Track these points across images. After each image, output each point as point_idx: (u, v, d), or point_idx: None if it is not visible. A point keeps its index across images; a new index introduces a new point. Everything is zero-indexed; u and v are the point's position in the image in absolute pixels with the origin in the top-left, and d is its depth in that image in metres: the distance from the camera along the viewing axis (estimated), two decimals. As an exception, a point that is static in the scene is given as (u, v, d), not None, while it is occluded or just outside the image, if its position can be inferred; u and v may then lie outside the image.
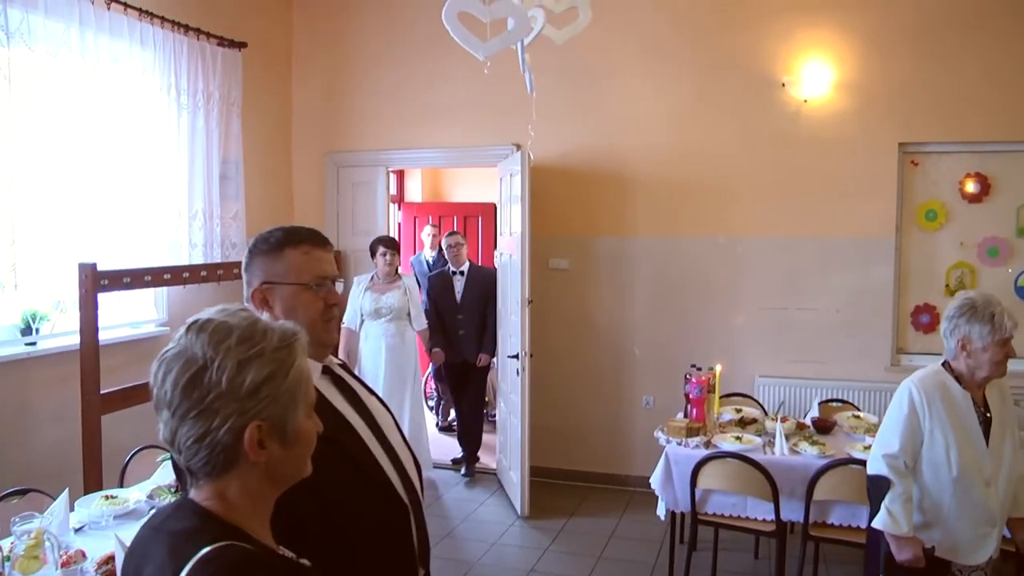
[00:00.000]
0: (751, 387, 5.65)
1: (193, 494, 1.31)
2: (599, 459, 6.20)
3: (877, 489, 2.96)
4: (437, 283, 6.64)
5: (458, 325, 6.48)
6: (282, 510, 1.43)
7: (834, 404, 5.12)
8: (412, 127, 6.55)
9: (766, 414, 4.93)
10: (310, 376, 1.37)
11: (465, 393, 6.64)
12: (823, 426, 4.51)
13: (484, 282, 6.50)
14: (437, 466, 6.64)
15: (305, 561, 1.38)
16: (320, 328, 1.86)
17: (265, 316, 1.41)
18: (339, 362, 2.00)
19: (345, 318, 5.88)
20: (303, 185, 6.89)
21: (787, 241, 5.78)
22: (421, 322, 6.20)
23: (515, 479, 5.66)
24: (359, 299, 5.97)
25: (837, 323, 5.68)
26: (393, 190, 9.00)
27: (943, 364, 2.97)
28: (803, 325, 5.75)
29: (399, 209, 9.15)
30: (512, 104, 5.93)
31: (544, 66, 5.75)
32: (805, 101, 5.65)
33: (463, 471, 6.54)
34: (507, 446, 6.00)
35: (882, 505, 2.90)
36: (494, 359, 6.53)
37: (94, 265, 4.12)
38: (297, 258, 1.86)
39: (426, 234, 8.22)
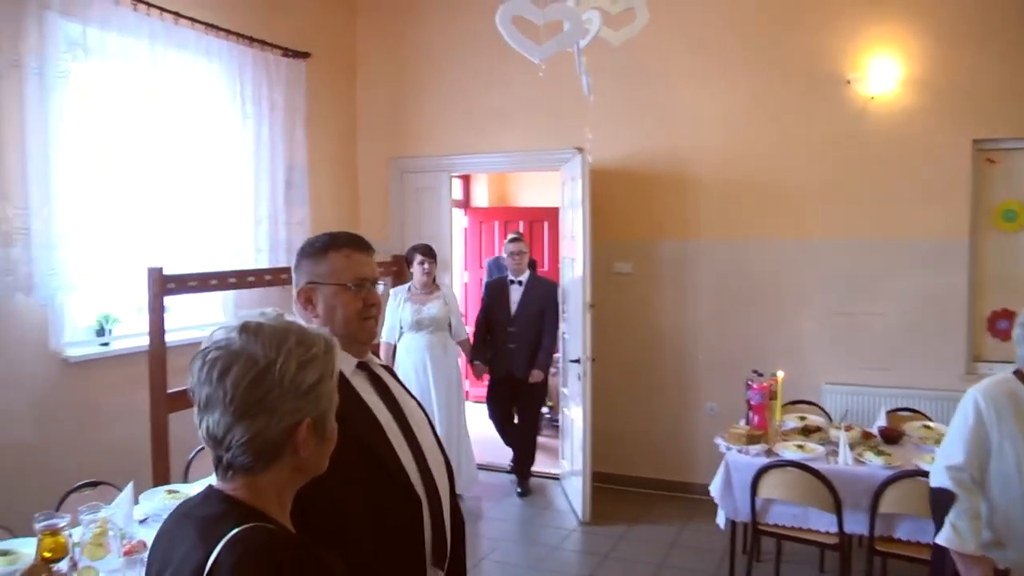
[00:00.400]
0: (817, 395, 5.51)
1: (219, 484, 1.38)
2: (662, 466, 6.12)
3: (940, 503, 2.83)
4: (493, 291, 6.35)
5: (508, 338, 6.11)
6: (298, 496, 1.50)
7: (903, 413, 4.95)
8: (475, 132, 6.58)
9: (831, 422, 4.81)
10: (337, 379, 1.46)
11: (508, 410, 6.36)
12: (890, 436, 4.38)
13: (543, 295, 6.18)
14: (499, 470, 6.60)
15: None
16: (356, 326, 1.99)
17: (296, 315, 1.54)
18: (380, 363, 2.11)
19: (383, 332, 5.74)
20: (368, 191, 6.98)
21: (854, 243, 5.62)
22: (461, 332, 6.03)
23: (576, 484, 5.63)
24: (398, 311, 5.76)
25: (907, 329, 5.49)
26: (459, 195, 9.12)
27: (1015, 372, 2.82)
28: (871, 331, 5.58)
29: (465, 214, 9.21)
30: (573, 107, 5.90)
31: (603, 68, 5.71)
32: (872, 98, 5.49)
33: (518, 491, 6.20)
34: (569, 451, 5.98)
35: (946, 520, 2.76)
36: (551, 371, 6.38)
37: (161, 269, 4.25)
38: (339, 261, 1.99)
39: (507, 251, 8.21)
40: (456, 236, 7.88)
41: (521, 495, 6.13)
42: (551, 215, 8.59)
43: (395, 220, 6.86)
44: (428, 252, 5.81)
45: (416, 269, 5.76)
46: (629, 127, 6.09)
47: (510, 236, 6.40)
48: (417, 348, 5.74)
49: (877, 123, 5.52)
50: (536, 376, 6.11)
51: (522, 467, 6.27)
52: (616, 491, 6.08)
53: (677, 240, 6.06)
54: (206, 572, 1.24)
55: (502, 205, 9.70)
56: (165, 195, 4.83)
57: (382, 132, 6.89)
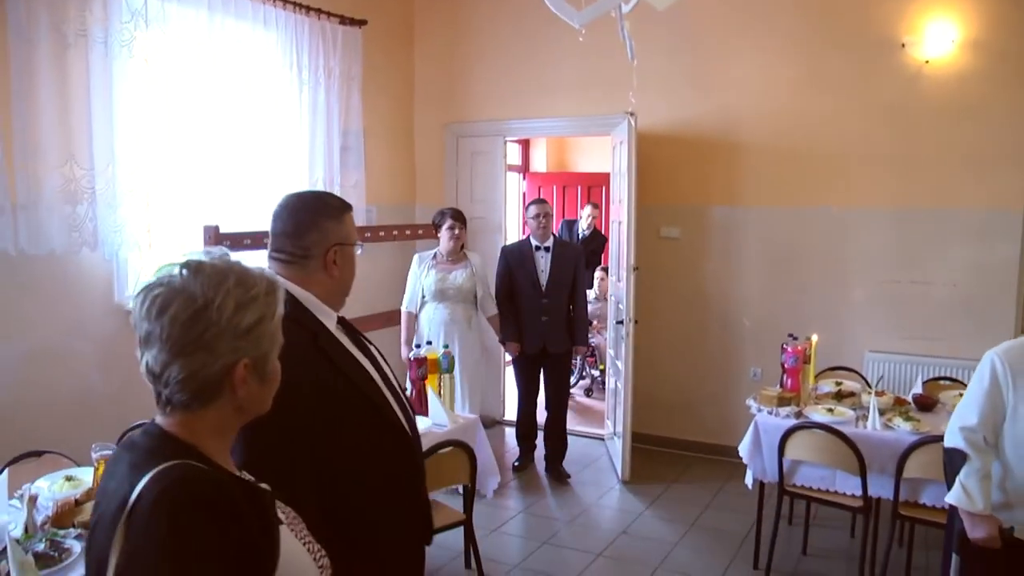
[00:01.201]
0: (860, 362, 5.52)
1: (160, 420, 1.39)
2: (705, 429, 6.20)
3: (952, 463, 2.86)
4: (513, 259, 5.73)
5: (541, 310, 5.63)
6: (294, 450, 1.65)
7: (943, 383, 4.94)
8: (529, 97, 6.67)
9: (869, 388, 4.83)
10: (280, 322, 1.47)
11: (534, 387, 5.90)
12: (924, 403, 4.39)
13: (571, 260, 5.76)
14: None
15: (264, 486, 1.46)
16: (352, 283, 2.12)
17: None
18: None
19: (405, 302, 5.52)
20: (424, 154, 7.14)
21: (903, 212, 5.56)
22: (491, 307, 5.66)
23: (618, 444, 5.76)
24: (421, 278, 5.45)
25: (955, 300, 5.44)
26: (517, 160, 9.24)
27: None
28: (918, 300, 5.54)
29: (524, 179, 9.32)
30: (624, 73, 5.93)
31: (654, 34, 5.79)
32: (926, 62, 5.39)
33: (550, 473, 5.81)
34: (613, 412, 6.10)
35: (957, 480, 2.81)
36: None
37: (217, 227, 4.49)
38: (350, 222, 2.09)
39: (586, 214, 8.46)
40: (513, 200, 8.02)
41: (562, 477, 5.76)
42: (608, 180, 8.68)
43: (450, 184, 7.01)
44: (459, 217, 5.50)
45: (444, 235, 5.41)
46: (680, 93, 6.11)
47: (534, 200, 6.00)
48: (439, 321, 5.44)
49: (931, 88, 5.43)
50: (581, 351, 5.96)
51: (559, 456, 5.87)
52: (657, 452, 6.20)
53: (726, 206, 6.08)
54: (129, 505, 1.26)
55: (561, 170, 9.78)
56: (223, 158, 5.04)
57: (437, 97, 7.03)
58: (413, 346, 4.62)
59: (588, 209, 8.41)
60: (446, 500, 4.34)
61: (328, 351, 1.94)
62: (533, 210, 5.77)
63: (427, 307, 5.47)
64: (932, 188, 5.47)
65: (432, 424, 4.11)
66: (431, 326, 5.43)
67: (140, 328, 1.34)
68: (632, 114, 5.68)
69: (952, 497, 2.83)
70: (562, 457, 5.86)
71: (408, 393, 4.18)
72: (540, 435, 6.04)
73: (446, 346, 4.85)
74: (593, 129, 6.72)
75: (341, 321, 2.12)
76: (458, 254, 5.50)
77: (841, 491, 4.12)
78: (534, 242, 5.73)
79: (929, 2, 5.38)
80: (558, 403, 5.85)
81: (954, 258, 5.45)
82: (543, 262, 5.68)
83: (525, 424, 5.97)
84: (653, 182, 6.04)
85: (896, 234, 5.60)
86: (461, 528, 4.04)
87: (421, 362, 4.26)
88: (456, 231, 5.41)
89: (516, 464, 5.97)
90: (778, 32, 5.81)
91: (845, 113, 5.65)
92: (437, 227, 5.50)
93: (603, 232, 8.29)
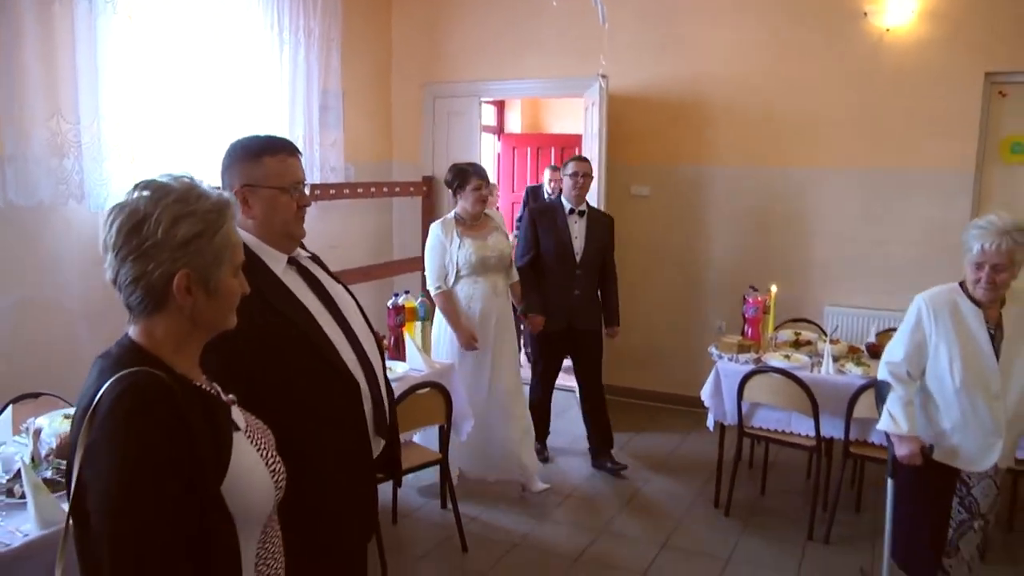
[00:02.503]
0: (819, 315, 5.79)
1: (130, 330, 1.53)
2: (672, 380, 6.45)
3: (881, 394, 3.17)
4: (544, 222, 5.15)
5: (573, 282, 5.08)
6: (243, 377, 1.75)
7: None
8: (504, 59, 6.81)
9: (825, 337, 5.08)
10: (239, 243, 1.59)
11: (555, 370, 5.42)
12: (876, 351, 4.63)
13: (607, 228, 5.29)
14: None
15: (231, 396, 1.63)
16: (293, 226, 2.20)
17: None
18: (309, 254, 2.34)
19: (432, 279, 4.72)
20: (401, 114, 7.28)
21: (864, 173, 5.81)
22: (514, 273, 4.98)
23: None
24: (449, 250, 4.64)
25: (912, 256, 5.70)
26: (492, 121, 9.37)
27: (960, 283, 3.09)
28: (876, 256, 5.81)
29: (499, 140, 9.47)
30: (597, 36, 6.10)
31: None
32: (887, 30, 5.61)
33: (607, 465, 5.23)
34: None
35: (884, 407, 3.11)
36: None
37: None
38: (276, 165, 2.15)
39: (547, 178, 8.29)
40: (488, 161, 8.17)
41: (618, 470, 5.21)
42: (581, 142, 8.84)
43: (427, 143, 7.16)
44: (484, 174, 4.75)
45: (470, 196, 4.65)
46: (651, 56, 6.29)
47: (574, 156, 5.38)
48: (479, 296, 4.70)
49: (892, 55, 5.65)
50: (616, 332, 5.36)
51: (608, 444, 5.35)
52: (626, 403, 6.44)
53: (694, 165, 6.30)
54: (93, 404, 1.40)
55: (535, 132, 9.93)
56: (206, 114, 5.17)
57: (415, 58, 7.16)
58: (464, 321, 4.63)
59: (548, 172, 8.41)
60: (423, 442, 4.56)
61: (266, 292, 2.04)
62: (572, 167, 5.15)
63: (463, 283, 4.69)
64: (892, 150, 5.72)
65: (409, 369, 4.32)
66: (471, 303, 4.70)
67: (102, 237, 1.50)
68: (604, 76, 5.85)
69: (882, 424, 3.14)
70: (611, 445, 5.34)
71: (387, 339, 4.42)
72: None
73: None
74: (566, 91, 6.89)
75: (293, 262, 2.22)
76: (482, 217, 4.80)
77: (796, 432, 4.39)
78: (567, 204, 5.17)
79: (890, -30, 5.58)
80: (596, 387, 5.34)
81: (912, 217, 5.71)
82: (577, 228, 5.13)
83: (540, 412, 5.37)
84: (624, 142, 6.23)
85: (857, 193, 5.84)
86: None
87: (399, 310, 4.46)
88: (483, 191, 4.67)
89: (541, 455, 5.33)
90: (747, -1, 6.01)
91: (811, 78, 5.87)
92: (456, 187, 4.71)
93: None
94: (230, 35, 5.30)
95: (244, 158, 2.15)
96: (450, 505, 4.31)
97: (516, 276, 4.97)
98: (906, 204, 5.72)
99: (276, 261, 2.16)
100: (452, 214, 4.75)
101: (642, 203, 6.46)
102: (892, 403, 3.09)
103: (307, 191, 2.25)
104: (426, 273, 4.76)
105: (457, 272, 4.66)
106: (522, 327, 5.80)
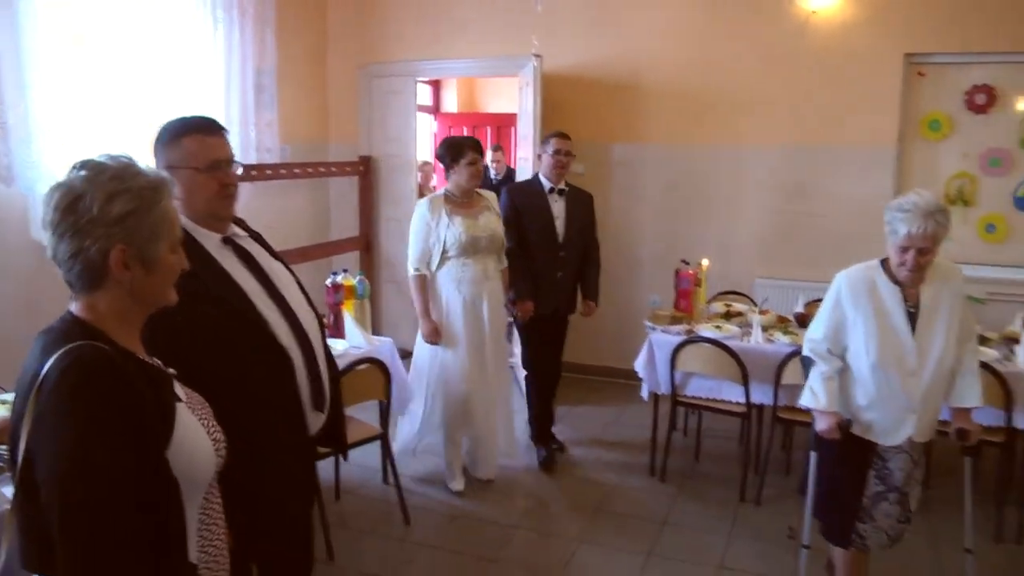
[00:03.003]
0: (750, 287, 5.96)
1: (72, 306, 1.57)
2: (608, 354, 6.58)
3: (805, 369, 3.26)
4: (526, 202, 4.85)
5: (557, 264, 4.88)
6: (180, 353, 1.77)
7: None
8: (439, 38, 6.83)
9: (755, 308, 5.25)
10: (176, 219, 1.63)
11: (547, 355, 5.15)
12: (804, 320, 4.81)
13: (588, 206, 5.09)
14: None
15: (172, 371, 1.68)
16: (217, 205, 2.21)
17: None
18: (246, 233, 2.36)
19: (413, 260, 4.40)
20: (337, 94, 7.25)
21: (792, 150, 6.00)
22: (504, 257, 4.67)
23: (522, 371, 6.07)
24: (437, 229, 4.33)
25: (837, 230, 5.90)
26: (428, 101, 9.39)
27: (881, 260, 3.12)
28: (804, 230, 6.02)
29: (435, 119, 9.49)
30: (532, 16, 6.20)
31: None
32: (813, 12, 5.79)
33: (551, 446, 5.11)
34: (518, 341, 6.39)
35: (806, 383, 3.19)
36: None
37: (134, 163, 4.56)
38: (192, 145, 2.16)
39: (491, 159, 8.35)
40: (424, 141, 8.19)
41: (550, 460, 5.01)
42: (517, 121, 8.92)
43: (363, 123, 7.15)
44: (478, 147, 4.44)
45: (464, 171, 4.35)
46: (585, 36, 6.39)
47: (554, 133, 5.02)
48: (469, 279, 4.39)
49: (817, 36, 5.85)
50: (591, 309, 5.15)
51: (548, 426, 5.18)
52: (565, 378, 6.50)
53: (628, 144, 6.42)
54: (39, 380, 1.43)
55: (471, 111, 9.97)
56: (138, 96, 5.09)
57: (350, 38, 7.13)
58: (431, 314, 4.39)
59: (490, 153, 8.50)
60: (363, 417, 4.59)
61: (198, 271, 1.99)
62: (555, 144, 4.85)
63: (451, 265, 4.36)
64: (818, 127, 5.92)
65: (349, 346, 4.35)
66: (460, 287, 4.38)
67: (44, 215, 1.53)
68: (538, 56, 5.92)
69: (802, 399, 3.21)
70: (553, 423, 5.23)
71: (326, 318, 4.44)
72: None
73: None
74: (501, 71, 6.96)
75: (229, 241, 2.26)
76: (473, 194, 4.49)
77: (728, 399, 4.54)
78: (546, 183, 4.92)
79: (815, -48, 5.76)
80: (558, 370, 5.27)
81: (838, 192, 5.93)
82: (558, 208, 4.89)
83: (542, 418, 5.12)
84: (558, 121, 6.29)
85: (785, 169, 6.04)
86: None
87: (338, 288, 4.49)
88: (479, 165, 4.40)
89: (544, 461, 5.02)
90: (678, -23, 6.12)
91: (740, 58, 6.03)
92: (448, 161, 4.41)
93: (513, 169, 8.51)
94: (162, 14, 5.22)
95: (165, 140, 2.18)
96: (392, 480, 4.37)
97: (506, 261, 4.65)
98: (832, 179, 5.93)
99: (209, 240, 2.20)
100: (442, 191, 4.47)
101: (577, 181, 6.40)
102: (813, 378, 3.17)
103: (238, 170, 2.26)
104: (408, 252, 4.45)
105: (444, 253, 4.33)
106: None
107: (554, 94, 6.26)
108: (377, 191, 7.09)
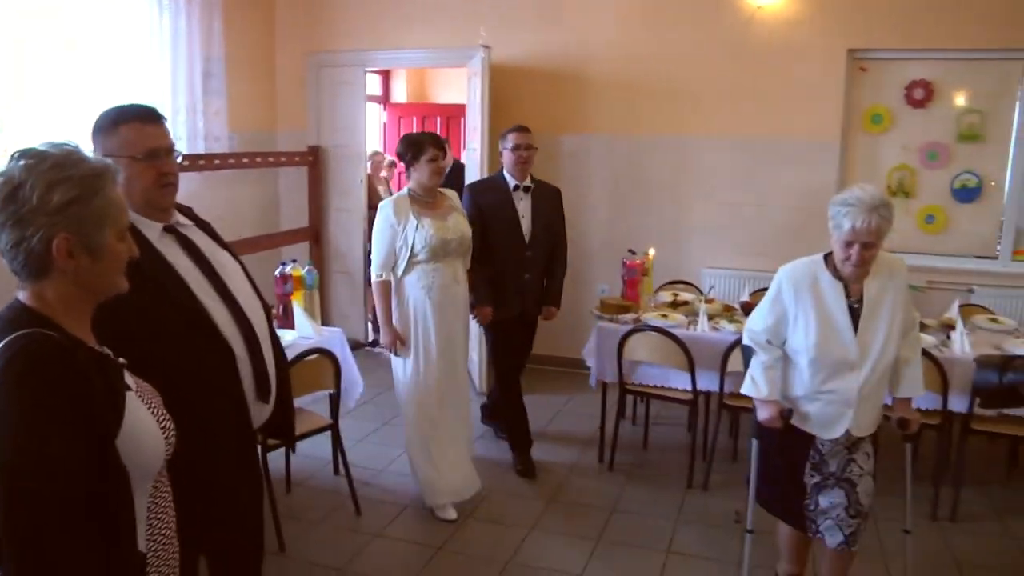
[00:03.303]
0: (697, 277, 6.06)
1: (20, 294, 1.56)
2: (557, 344, 6.61)
3: (746, 358, 3.30)
4: (487, 200, 4.68)
5: (523, 265, 4.69)
6: (125, 343, 1.74)
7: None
8: (388, 28, 6.81)
9: (702, 297, 5.34)
10: (123, 206, 1.61)
11: (514, 359, 4.95)
12: (749, 308, 4.83)
13: (555, 203, 4.90)
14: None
15: (122, 360, 1.67)
16: (155, 194, 2.17)
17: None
18: (191, 222, 2.33)
19: (376, 266, 4.12)
20: (286, 83, 7.19)
21: (739, 142, 6.11)
22: (469, 259, 4.40)
23: (475, 359, 6.11)
24: (404, 232, 4.04)
25: (784, 220, 6.03)
26: (377, 90, 9.33)
27: (824, 256, 3.11)
28: (751, 221, 6.14)
29: (384, 109, 9.44)
30: (480, 7, 6.21)
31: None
32: (759, 8, 5.89)
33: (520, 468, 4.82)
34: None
35: (748, 372, 3.23)
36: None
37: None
38: (130, 134, 2.12)
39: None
40: (373, 131, 8.15)
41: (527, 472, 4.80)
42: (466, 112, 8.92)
43: (312, 113, 7.10)
44: (440, 144, 4.18)
45: (425, 168, 4.10)
46: (534, 27, 6.42)
47: (515, 127, 4.80)
48: (438, 285, 4.11)
49: (763, 31, 5.96)
50: (551, 313, 4.93)
51: (526, 436, 4.94)
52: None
53: (575, 134, 6.48)
54: None
55: (421, 101, 9.94)
56: (82, 84, 5.01)
57: (299, 26, 7.08)
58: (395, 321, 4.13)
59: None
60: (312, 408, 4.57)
61: (140, 260, 1.93)
62: (513, 139, 4.68)
63: (419, 270, 4.08)
64: (764, 121, 6.04)
65: (298, 337, 4.33)
66: (429, 292, 4.10)
67: None
68: (486, 47, 5.93)
69: (744, 388, 3.25)
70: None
71: (275, 308, 4.41)
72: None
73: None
74: (449, 61, 6.96)
75: (172, 230, 2.23)
76: (437, 193, 4.25)
77: (675, 387, 4.61)
78: (511, 180, 4.74)
79: (760, -53, 5.86)
80: (521, 371, 5.03)
81: (783, 184, 6.05)
82: (522, 206, 4.71)
83: (521, 428, 4.92)
84: (507, 112, 6.32)
85: (731, 161, 6.15)
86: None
87: (287, 278, 4.47)
88: (441, 161, 4.16)
89: (519, 468, 4.82)
90: (625, -30, 6.17)
91: (687, 50, 6.12)
92: (409, 159, 4.15)
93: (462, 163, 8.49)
94: (106, 1, 5.14)
95: (102, 128, 2.14)
96: (343, 471, 4.36)
97: (469, 264, 4.40)
98: (777, 171, 6.05)
99: (150, 229, 2.16)
100: (405, 191, 4.19)
101: (528, 172, 6.58)
102: (754, 367, 3.20)
103: (178, 159, 2.23)
104: (372, 257, 4.18)
105: (412, 257, 4.05)
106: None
107: (503, 85, 6.29)
108: (326, 181, 7.06)
